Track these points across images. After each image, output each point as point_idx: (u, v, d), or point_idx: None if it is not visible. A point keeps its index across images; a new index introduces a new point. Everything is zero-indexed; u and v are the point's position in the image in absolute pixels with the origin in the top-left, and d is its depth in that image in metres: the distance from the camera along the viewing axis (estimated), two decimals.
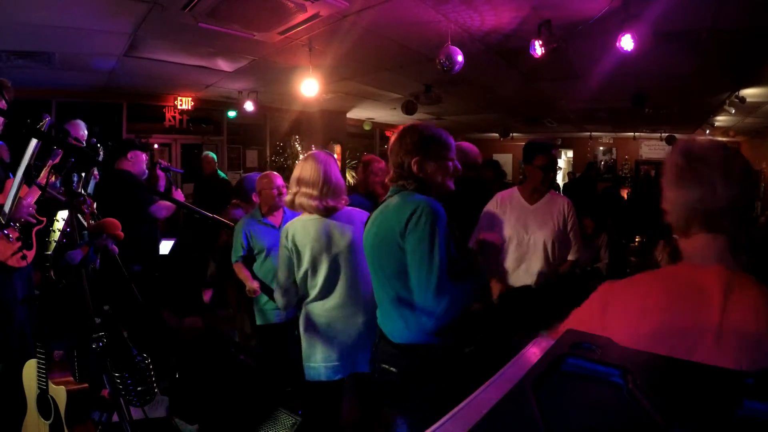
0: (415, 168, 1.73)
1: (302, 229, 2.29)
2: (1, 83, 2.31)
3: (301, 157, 8.76)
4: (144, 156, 3.88)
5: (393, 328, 1.76)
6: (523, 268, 2.83)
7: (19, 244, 2.26)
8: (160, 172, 4.28)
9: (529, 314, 2.70)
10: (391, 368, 1.73)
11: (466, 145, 3.07)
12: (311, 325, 2.32)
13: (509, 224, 2.84)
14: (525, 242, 2.81)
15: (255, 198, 3.35)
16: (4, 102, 2.29)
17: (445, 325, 1.63)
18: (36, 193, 2.32)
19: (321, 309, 2.29)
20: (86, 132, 3.54)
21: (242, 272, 3.10)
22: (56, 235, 1.91)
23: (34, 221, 2.34)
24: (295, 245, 2.29)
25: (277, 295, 2.39)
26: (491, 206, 2.95)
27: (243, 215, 3.39)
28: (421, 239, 1.59)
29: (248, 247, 3.11)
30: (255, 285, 2.98)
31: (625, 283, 1.09)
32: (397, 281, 1.69)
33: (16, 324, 2.35)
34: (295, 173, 2.34)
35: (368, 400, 2.41)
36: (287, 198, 2.40)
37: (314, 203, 2.25)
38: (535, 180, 2.85)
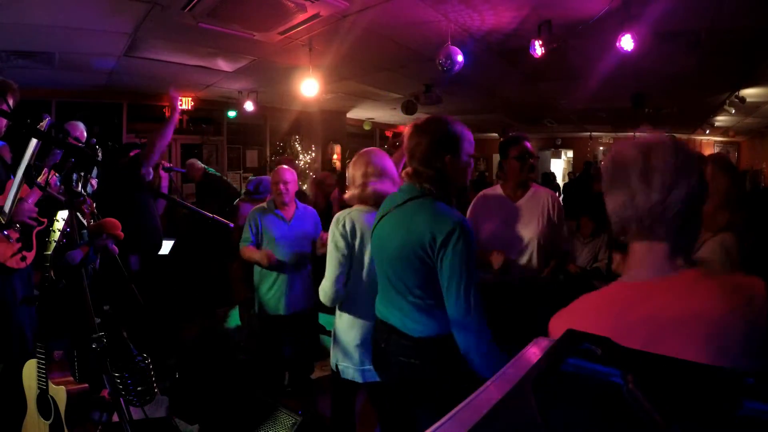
0: (439, 165, 1.64)
1: (366, 221, 2.09)
2: (7, 85, 2.30)
3: (301, 156, 8.78)
4: None
5: (413, 325, 1.70)
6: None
7: (19, 245, 2.25)
8: (163, 173, 4.29)
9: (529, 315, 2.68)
10: (413, 360, 1.67)
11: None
12: (366, 323, 2.13)
13: (493, 223, 2.76)
14: (510, 241, 2.72)
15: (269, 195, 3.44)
16: (6, 105, 2.28)
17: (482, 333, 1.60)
18: (37, 194, 2.31)
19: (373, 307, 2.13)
20: (86, 133, 3.54)
21: (248, 251, 3.10)
22: (56, 235, 1.90)
23: (36, 224, 2.33)
24: (362, 237, 2.08)
25: (329, 284, 2.10)
26: (476, 205, 2.88)
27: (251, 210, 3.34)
28: (460, 262, 1.55)
29: (257, 234, 3.13)
30: (266, 251, 2.99)
31: (565, 314, 1.01)
32: (423, 291, 1.65)
33: (16, 324, 2.35)
34: (368, 167, 2.15)
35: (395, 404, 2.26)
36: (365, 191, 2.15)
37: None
38: (514, 172, 2.76)
